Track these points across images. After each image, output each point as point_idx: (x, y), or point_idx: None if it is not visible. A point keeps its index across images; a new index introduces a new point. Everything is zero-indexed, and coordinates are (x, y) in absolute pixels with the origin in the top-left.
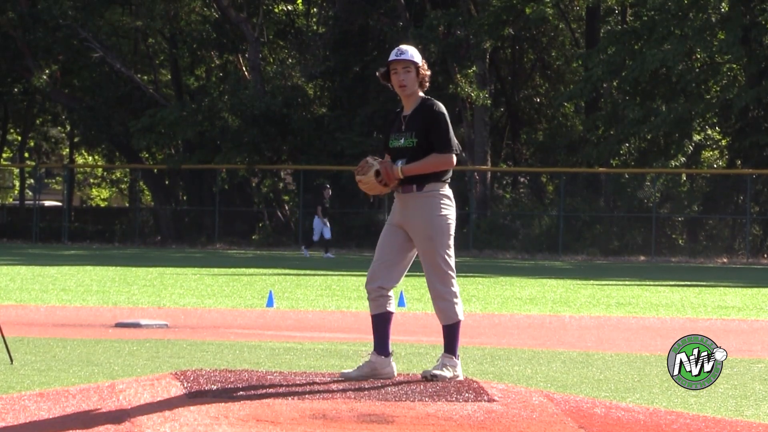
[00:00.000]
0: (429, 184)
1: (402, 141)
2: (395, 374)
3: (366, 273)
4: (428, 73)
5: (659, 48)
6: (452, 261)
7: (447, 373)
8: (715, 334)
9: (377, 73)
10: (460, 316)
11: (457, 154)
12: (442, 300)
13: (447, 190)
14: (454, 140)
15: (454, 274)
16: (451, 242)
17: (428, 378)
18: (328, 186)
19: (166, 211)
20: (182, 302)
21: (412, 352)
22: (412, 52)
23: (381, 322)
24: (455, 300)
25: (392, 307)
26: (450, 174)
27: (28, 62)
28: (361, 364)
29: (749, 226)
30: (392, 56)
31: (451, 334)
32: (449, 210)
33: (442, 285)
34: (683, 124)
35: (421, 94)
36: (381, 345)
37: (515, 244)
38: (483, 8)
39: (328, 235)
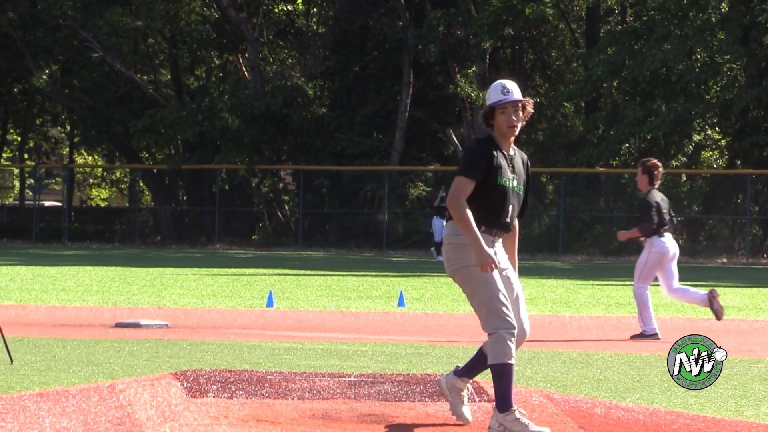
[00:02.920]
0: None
1: (515, 184)
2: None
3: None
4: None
5: (659, 48)
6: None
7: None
8: (715, 334)
9: (480, 116)
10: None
11: None
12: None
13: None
14: None
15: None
16: None
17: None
18: (443, 188)
19: (166, 211)
20: (182, 302)
21: (412, 352)
22: (518, 90)
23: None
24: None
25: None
26: None
27: (28, 62)
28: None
29: (749, 226)
30: (500, 96)
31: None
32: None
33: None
34: (683, 124)
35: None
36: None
37: None
38: (483, 8)
39: (439, 237)
